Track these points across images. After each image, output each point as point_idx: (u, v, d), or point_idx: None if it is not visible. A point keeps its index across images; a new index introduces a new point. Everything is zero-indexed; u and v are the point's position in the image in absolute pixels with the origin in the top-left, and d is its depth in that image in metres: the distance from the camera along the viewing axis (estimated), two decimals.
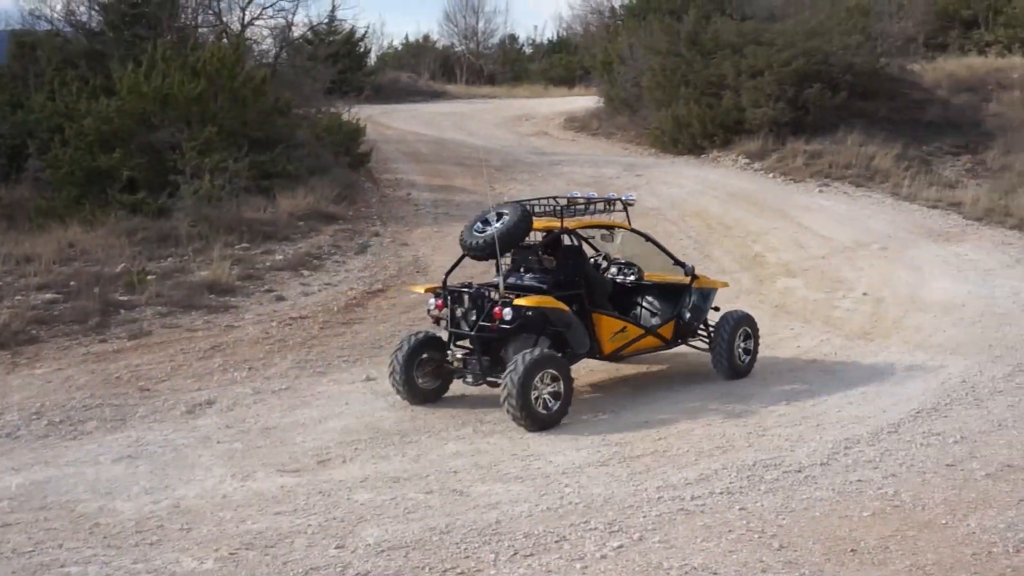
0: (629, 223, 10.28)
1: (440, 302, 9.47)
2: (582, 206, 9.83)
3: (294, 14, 27.52)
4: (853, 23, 26.35)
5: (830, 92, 23.61)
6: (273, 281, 14.03)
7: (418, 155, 25.17)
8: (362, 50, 42.37)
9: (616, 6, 47.41)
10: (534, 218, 9.57)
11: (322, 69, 24.41)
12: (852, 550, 6.16)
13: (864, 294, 13.85)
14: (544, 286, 9.43)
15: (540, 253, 9.72)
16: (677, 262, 10.48)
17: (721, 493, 7.07)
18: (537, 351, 8.76)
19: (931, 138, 23.69)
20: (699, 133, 24.98)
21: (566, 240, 9.98)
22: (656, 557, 6.09)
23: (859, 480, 7.29)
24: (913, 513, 6.72)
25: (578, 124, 31.19)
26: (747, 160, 23.47)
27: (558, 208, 9.69)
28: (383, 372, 10.45)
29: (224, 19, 24.23)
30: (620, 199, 10.12)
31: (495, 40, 60.66)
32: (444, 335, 9.61)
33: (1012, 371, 10.20)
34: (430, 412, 9.19)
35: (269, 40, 25.44)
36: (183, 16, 22.71)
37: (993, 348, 11.12)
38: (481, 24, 60.11)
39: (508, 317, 8.93)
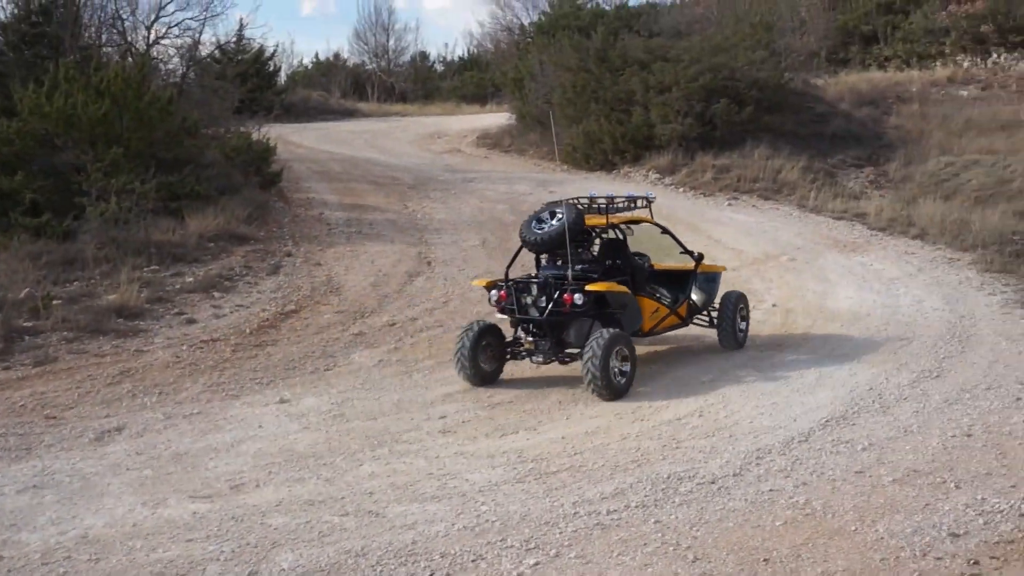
0: (652, 217, 11.78)
1: (504, 293, 10.78)
2: (604, 203, 11.02)
3: (201, 33, 26.96)
4: (757, 39, 26.90)
5: (736, 107, 23.98)
6: (183, 304, 13.81)
7: (330, 174, 25.01)
8: (272, 69, 41.95)
9: (525, 24, 47.86)
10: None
11: (231, 88, 24.15)
12: (765, 559, 6.23)
13: (774, 305, 14.07)
14: (595, 275, 10.81)
15: (589, 246, 11.35)
16: (686, 251, 12.05)
17: (636, 507, 7.11)
18: (610, 330, 9.97)
19: (835, 151, 24.20)
20: (610, 149, 25.20)
21: (609, 233, 11.51)
22: (572, 573, 6.10)
23: (771, 490, 7.39)
24: (824, 521, 6.82)
25: (491, 141, 31.28)
26: (658, 175, 23.74)
27: (603, 206, 10.98)
28: (297, 393, 10.41)
29: (129, 38, 23.85)
30: (644, 197, 11.26)
31: (406, 58, 60.65)
32: (497, 322, 10.97)
33: (916, 378, 10.43)
34: (345, 433, 9.11)
35: (176, 59, 25.13)
36: (86, 35, 22.30)
37: (898, 356, 11.36)
38: (391, 42, 60.02)
39: (580, 301, 10.29)
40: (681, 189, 22.73)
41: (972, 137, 23.39)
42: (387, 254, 17.09)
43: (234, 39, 31.68)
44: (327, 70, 54.75)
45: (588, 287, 10.29)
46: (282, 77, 47.03)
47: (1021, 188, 20.06)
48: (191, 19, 24.72)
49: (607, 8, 43.10)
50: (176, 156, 18.00)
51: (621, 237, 11.53)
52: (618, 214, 11.20)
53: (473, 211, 20.70)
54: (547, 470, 7.92)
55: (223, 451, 8.68)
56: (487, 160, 28.47)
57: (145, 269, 14.80)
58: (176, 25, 24.44)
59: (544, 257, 11.22)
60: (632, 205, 11.15)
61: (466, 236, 18.53)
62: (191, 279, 14.75)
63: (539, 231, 10.79)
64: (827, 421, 9.01)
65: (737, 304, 11.93)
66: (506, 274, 11.02)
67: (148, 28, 23.94)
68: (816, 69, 30.06)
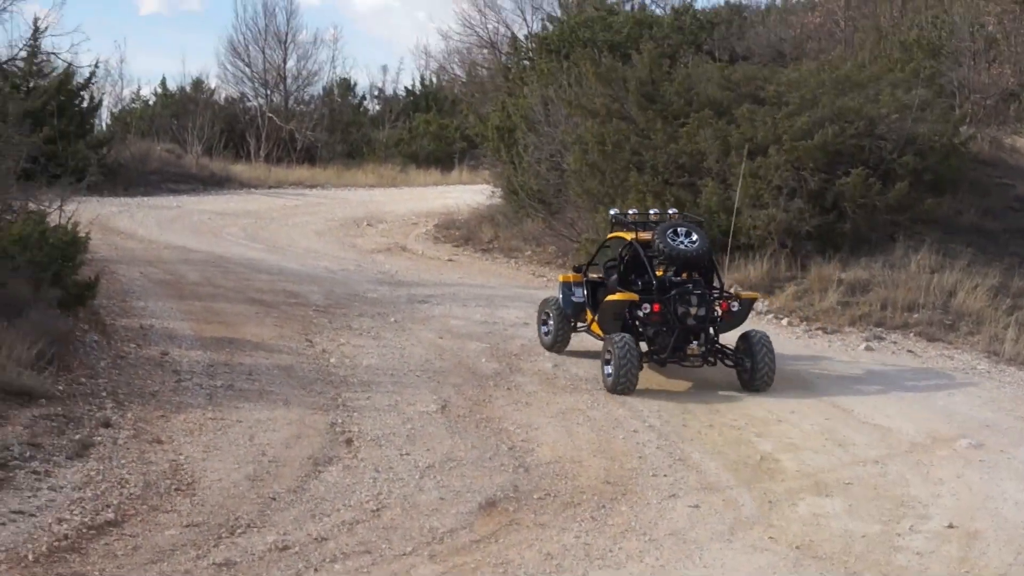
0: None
1: (657, 305, 19.26)
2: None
3: None
4: (914, 68, 27.14)
5: (879, 182, 24.12)
6: None
7: (182, 285, 25.04)
8: (87, 103, 42.30)
9: (520, 36, 48.15)
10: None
11: (15, 137, 24.15)
12: None
13: (949, 526, 13.96)
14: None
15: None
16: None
17: None
18: (762, 331, 19.68)
19: None
20: None
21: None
22: None
23: None
24: None
25: (459, 234, 31.48)
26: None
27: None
28: None
29: None
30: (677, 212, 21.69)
31: (315, 90, 61.38)
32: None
33: None
34: None
35: None
36: None
37: None
38: (292, 63, 60.86)
39: (736, 309, 19.69)
40: (784, 320, 22.85)
41: None
42: (277, 425, 16.96)
43: (23, 52, 31.89)
44: (181, 107, 55.29)
45: (741, 296, 20.10)
46: (104, 118, 47.58)
47: None
48: None
49: (659, 12, 43.56)
50: None
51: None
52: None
53: (427, 353, 20.71)
54: None
55: None
56: (453, 265, 28.59)
57: None
58: None
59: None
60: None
61: (414, 395, 18.45)
62: None
63: (686, 247, 19.60)
64: None
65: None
66: (660, 285, 19.58)
67: None
68: (1017, 121, 30.33)
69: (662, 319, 19.27)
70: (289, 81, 60.38)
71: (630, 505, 14.26)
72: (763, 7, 41.38)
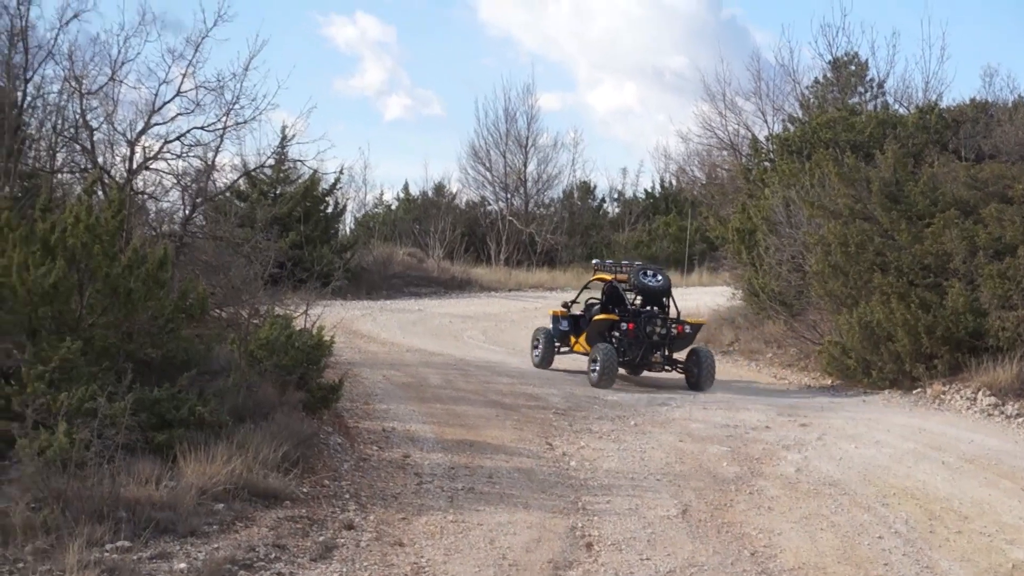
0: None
1: (632, 324, 27.62)
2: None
3: (218, 150, 26.41)
4: None
5: None
6: None
7: (423, 388, 25.24)
8: (332, 209, 43.03)
9: (761, 138, 47.94)
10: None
11: (263, 241, 24.35)
12: None
13: None
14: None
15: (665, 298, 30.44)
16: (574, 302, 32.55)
17: None
18: (705, 347, 29.80)
19: None
20: (908, 353, 25.01)
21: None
22: None
23: None
24: None
25: (699, 336, 31.32)
26: (993, 399, 23.39)
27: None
28: None
29: (101, 158, 24.31)
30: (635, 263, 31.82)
31: (555, 193, 61.77)
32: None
33: None
34: None
35: (175, 193, 25.42)
36: (31, 154, 22.78)
37: None
38: (532, 166, 61.42)
39: (688, 330, 28.18)
40: None
41: None
42: (518, 529, 16.93)
43: (271, 160, 32.35)
44: (423, 212, 56.08)
45: (689, 321, 28.52)
46: (348, 223, 48.37)
47: None
48: (203, 128, 25.02)
49: (902, 111, 43.13)
50: (168, 355, 18.27)
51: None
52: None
53: (667, 456, 20.61)
54: None
55: None
56: None
57: (108, 545, 14.89)
58: (178, 138, 24.79)
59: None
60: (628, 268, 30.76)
61: (654, 499, 18.34)
62: (184, 565, 14.79)
63: (655, 283, 28.22)
64: None
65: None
66: (635, 312, 27.95)
67: (132, 143, 24.34)
68: None
69: (635, 335, 27.68)
70: (529, 184, 61.05)
71: None
72: (1010, 104, 40.72)
